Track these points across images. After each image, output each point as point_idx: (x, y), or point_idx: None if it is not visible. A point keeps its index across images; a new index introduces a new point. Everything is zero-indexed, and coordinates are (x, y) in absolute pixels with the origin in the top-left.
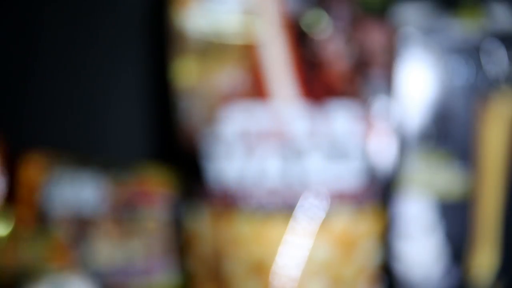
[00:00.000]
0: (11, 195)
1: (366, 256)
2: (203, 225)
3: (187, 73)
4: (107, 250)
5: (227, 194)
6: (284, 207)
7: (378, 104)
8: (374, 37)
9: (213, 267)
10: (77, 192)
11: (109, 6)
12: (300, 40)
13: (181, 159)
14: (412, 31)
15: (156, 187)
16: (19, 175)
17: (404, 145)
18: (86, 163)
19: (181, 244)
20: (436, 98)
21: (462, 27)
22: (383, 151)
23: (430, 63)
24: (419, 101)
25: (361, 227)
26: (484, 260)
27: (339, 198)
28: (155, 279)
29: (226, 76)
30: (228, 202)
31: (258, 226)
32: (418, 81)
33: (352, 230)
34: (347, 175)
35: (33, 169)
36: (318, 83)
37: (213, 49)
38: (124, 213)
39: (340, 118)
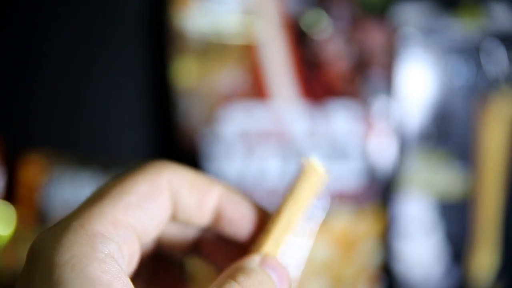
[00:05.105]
0: (11, 195)
1: (366, 256)
2: None
3: (187, 73)
4: None
5: None
6: None
7: (378, 104)
8: (374, 37)
9: None
10: (77, 192)
11: (109, 6)
12: (300, 40)
13: (181, 159)
14: (412, 31)
15: None
16: (19, 175)
17: (404, 145)
18: (86, 163)
19: None
20: (436, 98)
21: (462, 27)
22: (383, 151)
23: (430, 63)
24: (419, 101)
25: (361, 227)
26: (484, 260)
27: (339, 198)
28: None
29: (226, 76)
30: None
31: None
32: (418, 81)
33: (352, 230)
34: (347, 175)
35: (33, 169)
36: (318, 83)
37: (213, 49)
38: None
39: (340, 118)
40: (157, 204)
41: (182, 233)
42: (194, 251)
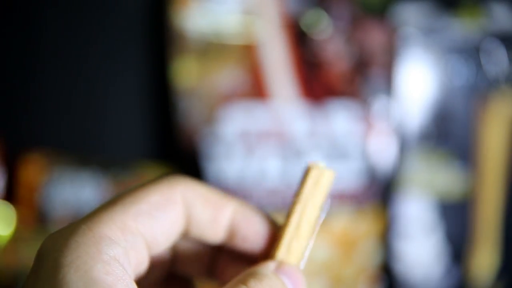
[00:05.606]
0: (11, 195)
1: (366, 256)
2: None
3: (187, 73)
4: None
5: None
6: (284, 207)
7: (378, 104)
8: (374, 37)
9: None
10: (77, 192)
11: (109, 6)
12: (300, 40)
13: (181, 159)
14: (412, 31)
15: None
16: (19, 175)
17: (404, 145)
18: (86, 163)
19: None
20: (436, 98)
21: (462, 27)
22: (383, 151)
23: (430, 63)
24: (419, 101)
25: (361, 227)
26: (484, 260)
27: (339, 198)
28: None
29: (226, 76)
30: None
31: None
32: (418, 81)
33: (352, 230)
34: (347, 175)
35: (33, 169)
36: (318, 83)
37: (213, 49)
38: None
39: (340, 118)
40: (168, 215)
41: (196, 252)
42: (209, 272)
